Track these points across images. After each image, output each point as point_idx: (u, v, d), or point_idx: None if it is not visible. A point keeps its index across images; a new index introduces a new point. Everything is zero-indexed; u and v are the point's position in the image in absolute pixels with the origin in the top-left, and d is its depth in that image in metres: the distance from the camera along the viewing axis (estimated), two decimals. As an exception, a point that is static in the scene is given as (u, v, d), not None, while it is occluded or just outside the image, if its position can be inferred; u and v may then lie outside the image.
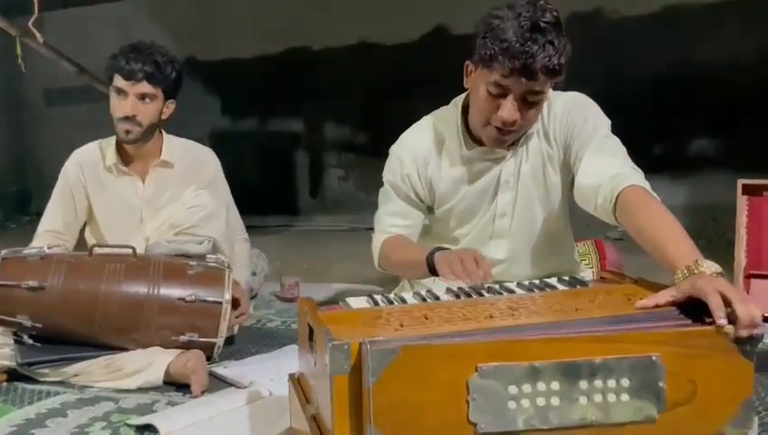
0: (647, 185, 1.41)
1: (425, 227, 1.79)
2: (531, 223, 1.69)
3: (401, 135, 1.74)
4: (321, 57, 5.19)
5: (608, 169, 1.44)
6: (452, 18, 4.62)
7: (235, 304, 2.00)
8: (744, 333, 0.95)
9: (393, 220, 1.73)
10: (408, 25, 4.85)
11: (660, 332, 0.96)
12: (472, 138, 1.65)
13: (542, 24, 1.41)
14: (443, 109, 1.73)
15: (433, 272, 1.50)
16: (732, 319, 0.96)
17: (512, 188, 1.66)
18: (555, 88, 1.57)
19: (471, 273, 1.33)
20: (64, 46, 4.39)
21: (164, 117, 2.12)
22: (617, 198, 1.38)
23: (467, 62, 1.55)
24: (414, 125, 1.75)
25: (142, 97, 2.03)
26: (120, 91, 2.03)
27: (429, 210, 1.76)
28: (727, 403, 0.96)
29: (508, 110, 1.48)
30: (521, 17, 1.42)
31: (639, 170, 1.46)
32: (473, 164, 1.66)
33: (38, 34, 3.87)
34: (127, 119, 2.03)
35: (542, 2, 1.44)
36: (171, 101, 2.12)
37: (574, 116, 1.59)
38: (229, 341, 2.01)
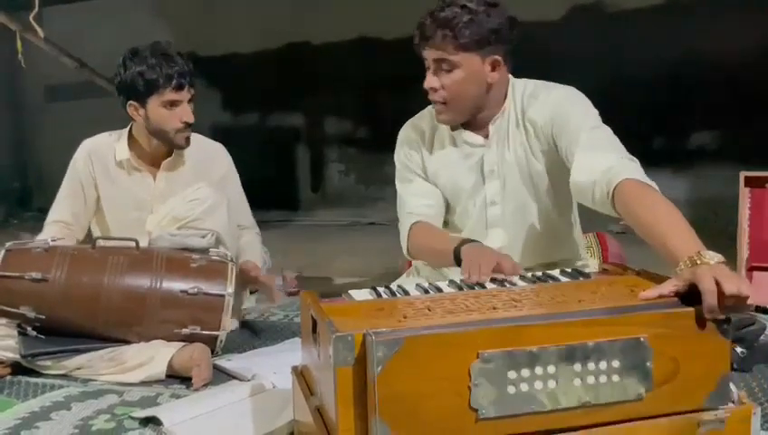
0: (642, 175, 1.39)
1: None
2: (523, 212, 1.70)
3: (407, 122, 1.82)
4: (321, 52, 5.18)
5: (600, 163, 1.43)
6: (453, 12, 4.61)
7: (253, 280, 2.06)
8: (708, 315, 0.99)
9: (418, 200, 1.75)
10: (407, 20, 4.81)
11: (646, 313, 1.00)
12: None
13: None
14: None
15: (459, 263, 1.49)
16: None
17: (497, 176, 1.68)
18: (552, 78, 1.60)
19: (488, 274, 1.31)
20: (65, 41, 4.39)
21: None
22: (613, 192, 1.37)
23: None
24: (420, 113, 1.82)
25: (191, 100, 2.04)
26: (173, 103, 2.00)
27: None
28: (706, 379, 1.01)
29: (426, 79, 1.60)
30: None
31: (634, 159, 1.45)
32: (458, 146, 1.71)
33: (39, 29, 3.87)
34: (188, 126, 2.03)
35: None
36: None
37: (561, 109, 1.60)
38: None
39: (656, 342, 0.98)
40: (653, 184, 1.37)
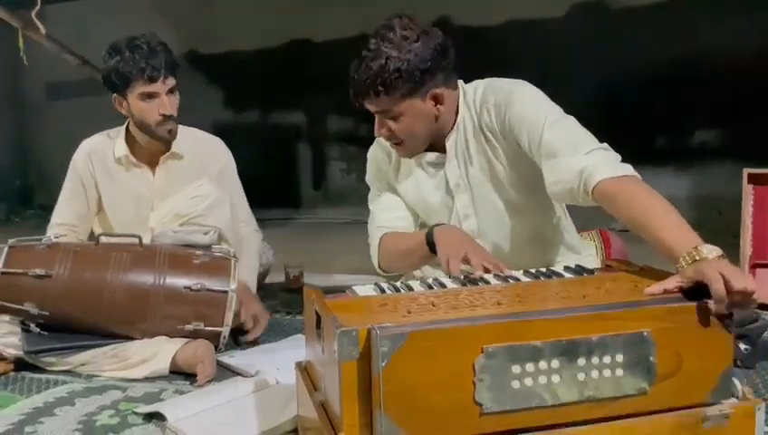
0: (615, 166, 1.35)
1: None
2: (499, 220, 1.67)
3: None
4: (322, 49, 5.17)
5: (570, 169, 1.39)
6: (454, 10, 4.60)
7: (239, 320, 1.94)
8: (714, 308, 0.99)
9: (385, 214, 1.76)
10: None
11: (651, 307, 1.01)
12: None
13: (363, 53, 1.50)
14: None
15: (433, 249, 1.50)
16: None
17: (464, 189, 1.66)
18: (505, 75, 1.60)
19: (482, 265, 1.33)
20: (67, 39, 4.38)
21: None
22: (593, 195, 1.35)
23: None
24: None
25: (172, 91, 2.02)
26: (149, 96, 1.98)
27: None
28: (709, 374, 1.01)
29: (375, 129, 1.62)
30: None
31: (603, 147, 1.41)
32: (421, 166, 1.71)
33: (41, 26, 3.86)
34: (169, 119, 2.01)
35: (381, 25, 1.51)
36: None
37: (510, 110, 1.54)
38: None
39: (659, 336, 0.98)
40: (630, 171, 1.33)
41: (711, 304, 1.00)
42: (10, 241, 1.88)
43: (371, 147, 1.83)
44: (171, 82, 2.01)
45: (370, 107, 1.56)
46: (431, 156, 1.68)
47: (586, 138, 1.45)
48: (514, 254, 1.68)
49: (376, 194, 1.82)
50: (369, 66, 1.49)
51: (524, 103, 1.53)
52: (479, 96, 1.61)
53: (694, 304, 1.01)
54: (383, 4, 4.80)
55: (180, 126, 2.18)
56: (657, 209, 1.21)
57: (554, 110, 1.52)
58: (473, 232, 1.66)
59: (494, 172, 1.63)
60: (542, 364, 0.95)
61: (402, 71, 1.47)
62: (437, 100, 1.56)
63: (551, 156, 1.45)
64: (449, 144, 1.64)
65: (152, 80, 1.96)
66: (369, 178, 1.83)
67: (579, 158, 1.39)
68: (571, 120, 1.50)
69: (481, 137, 1.62)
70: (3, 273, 1.80)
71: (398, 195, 1.77)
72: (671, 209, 1.20)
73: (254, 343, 1.98)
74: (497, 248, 1.68)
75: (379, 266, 1.76)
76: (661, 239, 1.16)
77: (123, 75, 1.97)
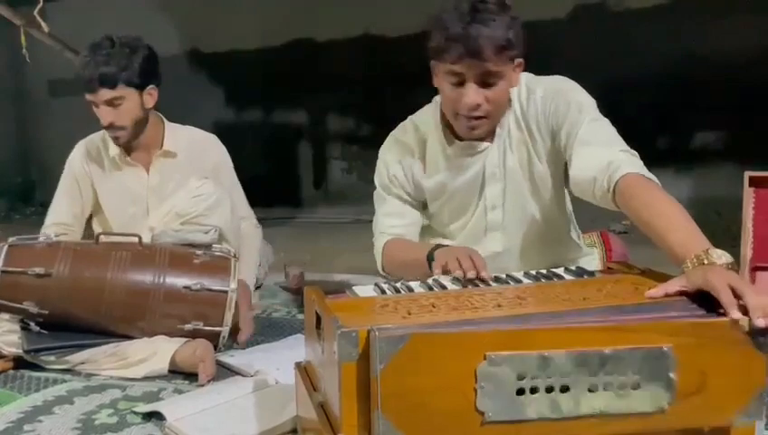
0: (643, 169, 1.37)
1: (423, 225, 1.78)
2: (523, 214, 1.67)
3: (388, 136, 1.75)
4: (324, 49, 5.17)
5: (600, 159, 1.41)
6: (456, 10, 4.60)
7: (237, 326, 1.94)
8: (761, 323, 0.94)
9: (390, 221, 1.73)
10: (411, 17, 4.82)
11: (673, 322, 0.96)
12: (453, 134, 1.64)
13: (478, 6, 1.44)
14: (424, 108, 1.73)
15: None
16: (744, 311, 0.95)
17: (499, 179, 1.65)
18: (537, 71, 1.56)
19: (466, 269, 1.29)
20: (69, 36, 4.38)
21: (148, 106, 2.06)
22: (614, 189, 1.35)
23: (432, 62, 1.56)
24: (397, 127, 1.75)
25: (110, 103, 1.97)
26: (92, 104, 2.00)
27: (424, 206, 1.76)
28: (738, 394, 0.96)
29: (468, 95, 1.49)
30: (460, 3, 1.45)
31: (634, 153, 1.43)
32: (456, 160, 1.66)
33: (43, 24, 3.86)
34: (108, 128, 2.02)
35: None
36: (151, 87, 2.04)
37: (556, 103, 1.56)
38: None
39: (681, 352, 0.93)
40: (654, 178, 1.35)
41: (743, 319, 0.95)
42: (10, 239, 1.88)
43: (386, 147, 1.74)
44: (106, 95, 1.95)
45: (477, 66, 1.45)
46: (473, 142, 1.63)
47: (620, 139, 1.49)
48: (531, 252, 1.69)
49: (381, 197, 1.76)
50: (495, 21, 1.44)
51: (571, 99, 1.56)
52: (524, 88, 1.61)
53: (723, 320, 0.96)
54: (385, 5, 4.82)
55: (175, 124, 2.19)
56: (672, 213, 1.21)
57: (595, 108, 1.56)
58: (496, 223, 1.67)
59: (531, 165, 1.63)
60: (549, 375, 0.92)
61: (519, 32, 1.48)
62: (518, 69, 1.55)
63: (584, 144, 1.48)
64: (499, 130, 1.61)
65: (87, 91, 1.97)
66: (379, 180, 1.76)
67: (611, 150, 1.42)
68: (608, 121, 1.54)
69: (524, 128, 1.61)
70: (3, 271, 1.80)
71: (410, 196, 1.73)
72: (685, 215, 1.20)
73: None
74: (512, 244, 1.68)
75: (383, 269, 1.75)
76: (671, 240, 1.15)
77: (82, 81, 1.99)
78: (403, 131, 1.73)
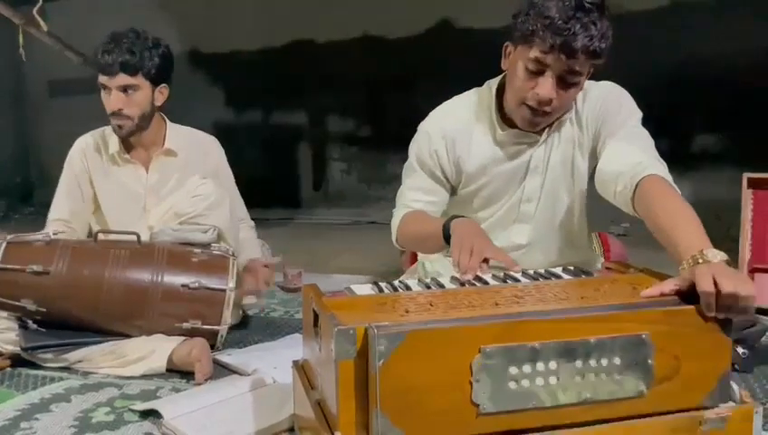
0: (668, 176, 1.40)
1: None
2: (555, 210, 1.67)
3: (431, 112, 1.71)
4: (324, 50, 5.17)
5: (631, 156, 1.44)
6: (456, 12, 4.60)
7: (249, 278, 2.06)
8: (727, 300, 0.98)
9: (416, 195, 1.69)
10: (412, 19, 4.83)
11: (648, 310, 1.00)
12: (504, 120, 1.62)
13: (585, 5, 1.41)
14: (475, 90, 1.70)
15: (448, 241, 1.45)
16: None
17: (540, 173, 1.64)
18: (590, 77, 1.55)
19: (467, 269, 1.27)
20: (68, 36, 4.38)
21: (157, 103, 2.08)
22: (636, 186, 1.37)
23: (506, 43, 1.55)
24: (445, 103, 1.71)
25: (124, 90, 1.99)
26: (103, 87, 2.01)
27: (452, 191, 1.72)
28: (707, 377, 1.01)
29: (545, 87, 1.46)
30: None
31: (663, 162, 1.45)
32: (504, 147, 1.64)
33: (42, 23, 3.87)
34: (115, 114, 2.02)
35: None
36: (163, 86, 2.07)
37: (609, 104, 1.58)
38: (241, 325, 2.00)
39: (658, 339, 0.98)
40: (676, 188, 1.36)
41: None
42: (8, 237, 1.87)
43: (434, 120, 1.68)
44: (122, 80, 1.98)
45: (567, 64, 1.43)
46: (525, 133, 1.61)
47: (655, 151, 1.51)
48: (552, 249, 1.70)
49: (413, 169, 1.70)
50: (596, 25, 1.42)
51: (623, 102, 1.59)
52: (591, 89, 1.61)
53: (692, 307, 1.01)
54: (386, 7, 4.83)
55: (174, 124, 2.19)
56: (680, 219, 1.23)
57: (639, 118, 1.59)
58: (528, 216, 1.67)
59: (573, 162, 1.63)
60: (540, 365, 0.95)
61: (611, 42, 1.46)
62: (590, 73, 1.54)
63: (620, 141, 1.50)
64: (555, 125, 1.61)
65: (103, 72, 1.99)
66: (417, 151, 1.69)
67: (644, 154, 1.45)
68: (647, 132, 1.56)
69: (575, 125, 1.62)
70: (0, 269, 1.80)
71: (440, 180, 1.69)
72: (695, 221, 1.21)
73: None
74: (540, 236, 1.68)
75: (396, 241, 1.73)
76: (674, 244, 1.17)
77: (93, 63, 2.03)
78: (453, 109, 1.69)
